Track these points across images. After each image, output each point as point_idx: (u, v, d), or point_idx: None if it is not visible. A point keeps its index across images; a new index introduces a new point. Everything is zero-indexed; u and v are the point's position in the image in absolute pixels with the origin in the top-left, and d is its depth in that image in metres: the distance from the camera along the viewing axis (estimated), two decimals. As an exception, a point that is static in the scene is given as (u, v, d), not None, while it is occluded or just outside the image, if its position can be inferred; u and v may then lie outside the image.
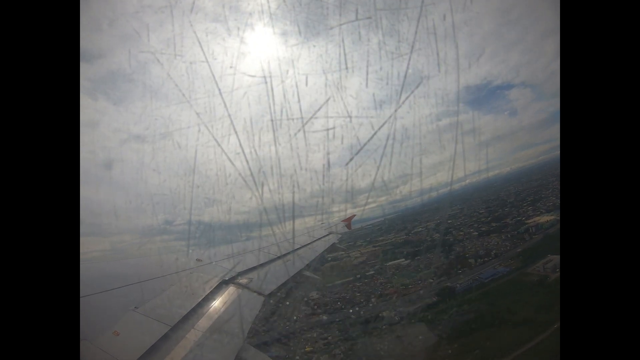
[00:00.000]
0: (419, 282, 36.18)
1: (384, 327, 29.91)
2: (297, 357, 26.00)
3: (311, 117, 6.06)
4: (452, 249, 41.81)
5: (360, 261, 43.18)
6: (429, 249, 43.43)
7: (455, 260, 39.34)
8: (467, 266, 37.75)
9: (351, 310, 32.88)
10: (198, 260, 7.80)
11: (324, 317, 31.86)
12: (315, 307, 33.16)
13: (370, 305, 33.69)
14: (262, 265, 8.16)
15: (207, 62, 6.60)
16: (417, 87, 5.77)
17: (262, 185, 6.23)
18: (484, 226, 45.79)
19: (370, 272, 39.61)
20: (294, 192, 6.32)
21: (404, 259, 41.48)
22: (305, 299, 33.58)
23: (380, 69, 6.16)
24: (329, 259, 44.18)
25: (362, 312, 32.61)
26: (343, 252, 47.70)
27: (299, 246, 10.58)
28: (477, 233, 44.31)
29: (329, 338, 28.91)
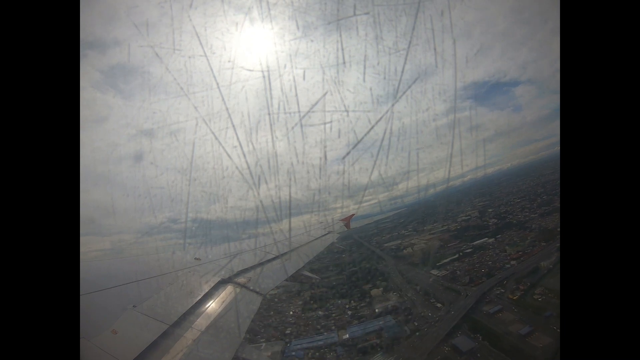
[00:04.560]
0: (531, 248, 40.91)
1: (548, 272, 34.07)
2: (506, 306, 30.82)
3: (308, 111, 6.06)
4: (527, 227, 46.03)
5: (441, 245, 47.28)
6: (502, 229, 47.38)
7: (544, 231, 43.19)
8: (558, 234, 41.21)
9: (504, 272, 36.92)
10: (197, 259, 7.78)
11: (490, 280, 35.80)
12: (464, 277, 37.63)
13: (514, 266, 37.82)
14: (260, 264, 8.15)
15: (206, 56, 6.59)
16: (414, 82, 5.78)
17: (260, 179, 6.23)
18: (538, 210, 49.90)
19: (468, 250, 43.70)
20: (290, 187, 6.31)
21: (487, 238, 45.53)
22: (440, 277, 38.30)
23: (378, 63, 6.16)
24: (404, 246, 49.59)
25: (516, 270, 36.53)
26: (400, 242, 52.02)
27: (297, 245, 10.57)
28: (536, 215, 48.42)
29: (520, 286, 33.45)
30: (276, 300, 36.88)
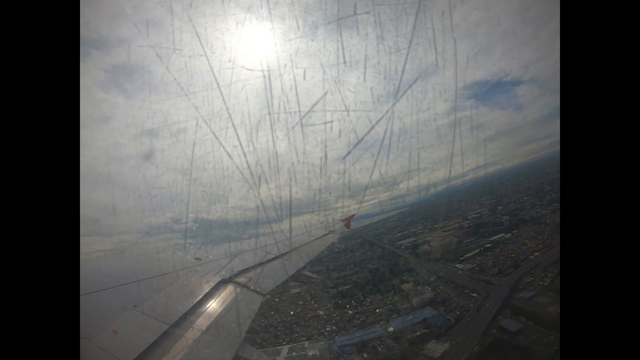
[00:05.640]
0: (550, 240, 41.85)
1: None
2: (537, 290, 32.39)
3: (309, 111, 6.07)
4: (542, 222, 46.72)
5: (458, 241, 48.17)
6: (517, 225, 48.21)
7: (560, 225, 43.40)
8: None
9: (530, 263, 38.40)
10: (197, 259, 7.79)
11: (518, 271, 37.38)
12: (492, 269, 39.17)
13: (537, 257, 39.18)
14: (261, 264, 8.15)
15: (206, 56, 6.59)
16: (415, 81, 5.77)
17: (260, 179, 6.23)
18: (549, 206, 50.42)
19: (488, 245, 44.60)
20: (291, 186, 6.32)
21: (503, 234, 46.43)
22: (467, 270, 40.07)
23: (379, 63, 6.16)
24: (419, 244, 50.83)
25: (541, 261, 37.82)
26: (414, 239, 52.99)
27: (298, 245, 10.57)
28: (547, 211, 49.20)
29: (548, 274, 34.52)
30: (301, 299, 37.27)
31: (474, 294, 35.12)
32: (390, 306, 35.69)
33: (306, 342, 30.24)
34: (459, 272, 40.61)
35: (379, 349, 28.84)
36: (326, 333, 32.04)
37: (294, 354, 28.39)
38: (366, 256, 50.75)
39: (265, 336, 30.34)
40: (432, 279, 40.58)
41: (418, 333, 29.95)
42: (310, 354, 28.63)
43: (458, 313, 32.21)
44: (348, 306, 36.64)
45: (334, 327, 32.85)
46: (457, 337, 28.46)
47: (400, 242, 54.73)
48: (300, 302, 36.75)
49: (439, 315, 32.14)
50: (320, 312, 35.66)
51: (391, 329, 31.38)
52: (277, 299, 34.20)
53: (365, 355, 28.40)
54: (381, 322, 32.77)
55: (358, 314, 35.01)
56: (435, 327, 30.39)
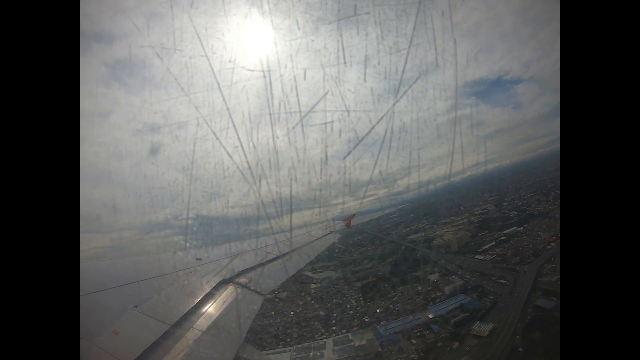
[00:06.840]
0: None
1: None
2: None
3: (309, 111, 6.06)
4: (551, 216, 47.10)
5: (471, 235, 48.61)
6: (527, 219, 48.60)
7: None
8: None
9: (548, 252, 38.87)
10: (198, 259, 7.80)
11: (539, 259, 37.99)
12: (514, 258, 39.94)
13: (554, 247, 39.43)
14: (262, 264, 8.15)
15: (207, 56, 6.60)
16: (415, 81, 5.77)
17: (261, 179, 6.23)
18: (555, 202, 50.44)
19: (502, 238, 45.31)
20: (291, 186, 6.31)
21: (515, 227, 47.07)
22: (488, 261, 40.75)
23: (379, 63, 6.16)
24: (431, 238, 51.34)
25: (558, 249, 37.42)
26: (424, 234, 53.26)
27: (299, 245, 10.57)
28: (555, 206, 49.28)
29: None
30: (328, 292, 37.59)
31: (502, 281, 36.11)
32: (423, 295, 36.18)
33: (349, 334, 30.48)
34: (481, 262, 41.45)
35: (426, 334, 29.34)
36: (365, 324, 32.27)
37: (340, 346, 28.64)
38: (380, 251, 50.97)
39: (302, 331, 30.72)
40: (456, 270, 41.25)
41: (460, 317, 30.75)
42: (357, 344, 28.78)
43: (492, 297, 33.20)
44: (379, 298, 36.87)
45: (374, 319, 33.10)
46: (499, 317, 29.50)
47: (410, 237, 54.76)
48: (337, 295, 37.26)
49: (474, 301, 33.03)
50: (352, 305, 35.84)
51: (431, 315, 31.95)
52: (302, 294, 34.85)
53: (413, 341, 28.80)
54: (420, 311, 33.24)
55: (392, 304, 35.37)
56: (474, 311, 31.18)
